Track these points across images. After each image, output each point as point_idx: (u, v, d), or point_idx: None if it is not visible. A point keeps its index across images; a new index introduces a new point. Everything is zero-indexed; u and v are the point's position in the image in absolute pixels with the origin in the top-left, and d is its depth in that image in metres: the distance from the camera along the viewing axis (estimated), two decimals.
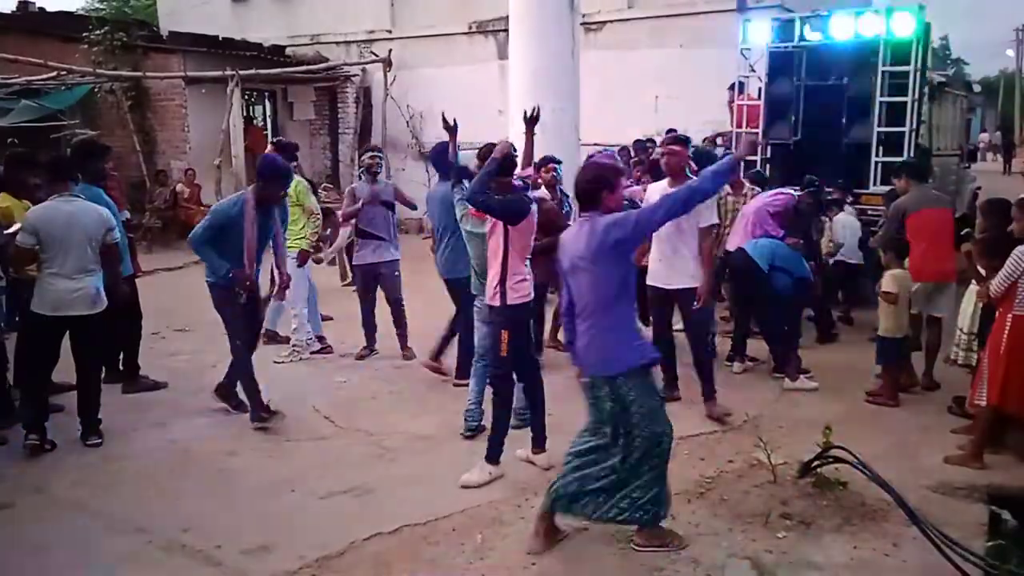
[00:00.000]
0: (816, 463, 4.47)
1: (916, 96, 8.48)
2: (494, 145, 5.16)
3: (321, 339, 7.50)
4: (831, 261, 8.00)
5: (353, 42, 16.55)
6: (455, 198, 5.32)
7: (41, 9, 17.18)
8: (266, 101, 16.79)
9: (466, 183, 5.11)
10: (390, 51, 15.34)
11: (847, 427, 5.01)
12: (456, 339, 6.45)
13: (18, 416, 5.42)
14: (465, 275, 5.89)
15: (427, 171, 14.09)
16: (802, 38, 9.06)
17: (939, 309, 6.39)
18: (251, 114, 16.90)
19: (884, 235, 6.66)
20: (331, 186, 12.18)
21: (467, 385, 6.09)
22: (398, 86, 15.23)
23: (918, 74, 8.46)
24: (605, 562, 3.86)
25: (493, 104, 12.66)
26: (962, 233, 6.57)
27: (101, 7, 26.78)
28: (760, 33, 9.32)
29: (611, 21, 13.92)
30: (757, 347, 6.91)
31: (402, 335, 7.24)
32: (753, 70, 9.53)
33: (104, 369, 5.90)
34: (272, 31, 16.77)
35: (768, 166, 9.33)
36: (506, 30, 10.18)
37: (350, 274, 7.97)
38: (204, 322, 8.17)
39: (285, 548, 4.01)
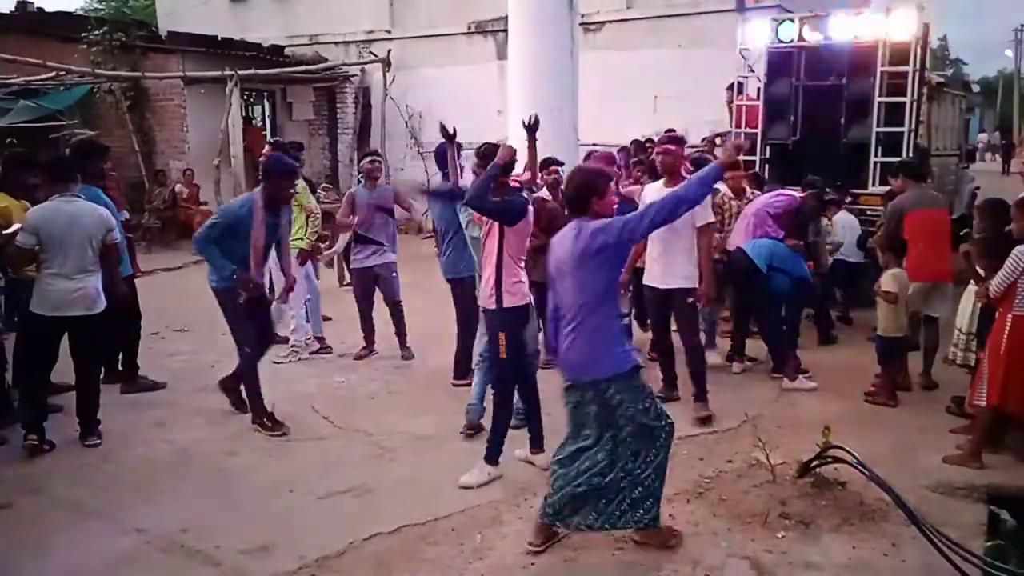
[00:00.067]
0: (815, 463, 4.47)
1: (915, 96, 8.49)
2: (493, 145, 5.16)
3: (320, 339, 7.50)
4: (831, 260, 8.00)
5: (352, 42, 16.55)
6: (457, 204, 5.32)
7: (40, 9, 17.17)
8: (265, 101, 16.78)
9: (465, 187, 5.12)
10: (389, 51, 15.34)
11: (846, 427, 5.02)
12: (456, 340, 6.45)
13: (17, 416, 5.42)
14: (467, 275, 5.90)
15: (426, 171, 14.13)
16: (801, 38, 9.06)
17: (936, 309, 6.41)
18: (250, 114, 16.90)
19: (882, 235, 6.67)
20: (330, 186, 12.17)
21: (465, 385, 6.11)
22: (397, 86, 15.23)
23: (917, 74, 8.47)
24: (605, 562, 3.86)
25: (492, 104, 12.67)
26: (961, 234, 6.58)
27: (100, 7, 26.81)
28: (759, 33, 9.33)
29: (610, 21, 13.93)
30: (756, 347, 6.92)
31: (401, 335, 7.24)
32: (752, 70, 9.54)
33: (103, 369, 5.90)
34: (271, 31, 16.77)
35: (767, 166, 9.34)
36: (505, 30, 10.17)
37: (348, 275, 7.99)
38: (203, 322, 8.18)
39: (284, 548, 4.01)
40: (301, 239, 7.14)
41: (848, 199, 8.46)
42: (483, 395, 5.40)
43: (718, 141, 10.11)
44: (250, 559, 3.93)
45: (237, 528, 4.22)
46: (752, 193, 7.30)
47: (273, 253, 5.86)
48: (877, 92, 8.60)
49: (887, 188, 7.58)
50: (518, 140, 5.80)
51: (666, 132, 7.51)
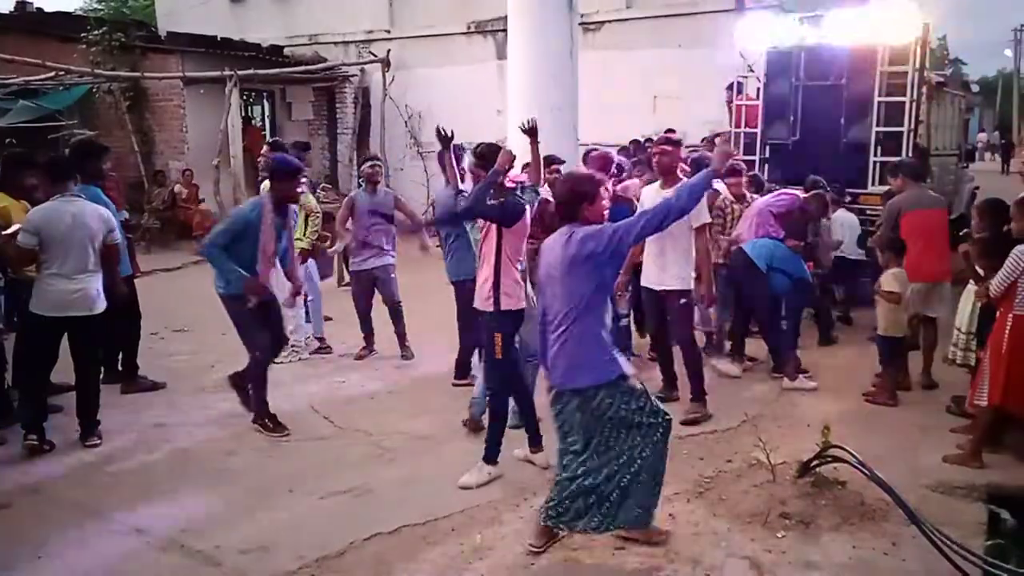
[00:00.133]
0: (815, 463, 4.47)
1: (914, 96, 8.49)
2: (490, 144, 5.15)
3: (321, 340, 7.50)
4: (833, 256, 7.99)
5: (352, 42, 16.55)
6: (463, 221, 5.32)
7: (39, 9, 17.16)
8: (264, 101, 16.77)
9: (466, 193, 5.10)
10: (388, 51, 15.34)
11: (846, 427, 5.03)
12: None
13: (17, 416, 5.42)
14: (470, 278, 5.89)
15: (426, 171, 14.15)
16: (801, 38, 9.07)
17: (934, 310, 6.42)
18: (249, 114, 16.89)
19: (881, 235, 6.67)
20: (329, 186, 12.16)
21: (466, 385, 6.12)
22: (396, 86, 15.23)
23: (916, 74, 8.47)
24: (605, 562, 3.85)
25: (491, 104, 12.68)
26: (960, 234, 6.59)
27: (99, 7, 26.80)
28: (759, 33, 9.33)
29: (610, 21, 13.94)
30: (756, 347, 6.92)
31: (401, 335, 7.24)
32: (752, 70, 9.55)
33: (103, 370, 5.89)
34: (270, 31, 16.77)
35: (767, 166, 9.34)
36: (505, 30, 10.17)
37: (347, 276, 8.00)
38: (203, 322, 8.18)
39: (284, 548, 4.01)
40: (301, 239, 7.15)
41: (848, 198, 8.46)
42: (486, 392, 5.39)
43: (717, 141, 10.10)
44: (250, 559, 3.93)
45: (237, 528, 4.22)
46: (751, 197, 7.30)
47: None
48: (876, 92, 8.61)
49: (887, 188, 7.58)
50: (518, 140, 5.80)
51: (665, 132, 7.52)
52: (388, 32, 16.24)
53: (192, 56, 14.14)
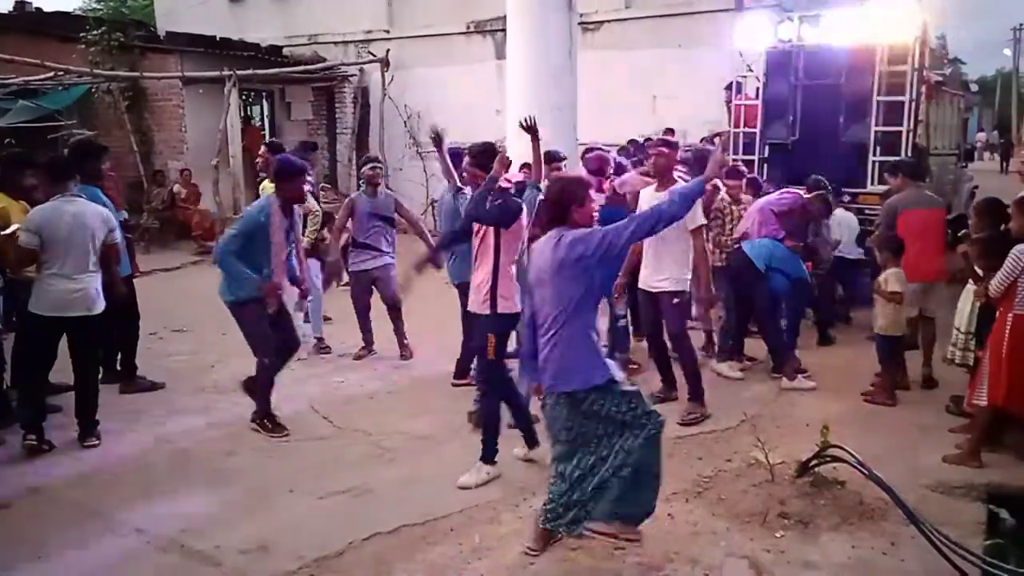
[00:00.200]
0: (814, 462, 4.47)
1: (913, 96, 8.50)
2: (486, 144, 5.13)
3: (320, 340, 7.50)
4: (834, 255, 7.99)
5: (351, 42, 16.54)
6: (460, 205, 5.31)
7: (38, 9, 17.15)
8: (263, 101, 16.76)
9: (466, 192, 5.09)
10: (388, 51, 15.33)
11: (845, 426, 5.04)
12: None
13: (16, 417, 5.41)
14: None
15: (425, 171, 14.14)
16: (800, 38, 9.07)
17: (931, 310, 6.44)
18: (248, 114, 16.89)
19: (880, 234, 6.67)
20: (328, 186, 12.17)
21: (465, 385, 6.12)
22: (396, 86, 15.22)
23: (915, 74, 8.47)
24: (604, 562, 3.86)
25: (491, 104, 12.67)
26: (958, 235, 6.60)
27: (98, 7, 26.77)
28: (758, 33, 9.33)
29: (609, 21, 13.92)
30: (755, 347, 6.92)
31: (400, 335, 7.24)
32: (751, 70, 9.55)
33: (102, 370, 5.89)
34: (269, 31, 16.76)
35: (766, 166, 9.34)
36: (504, 30, 10.17)
37: (346, 276, 8.00)
38: (202, 322, 8.19)
39: (284, 548, 4.01)
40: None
41: (846, 198, 8.46)
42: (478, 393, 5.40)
43: (716, 141, 10.10)
44: (249, 559, 3.93)
45: (236, 528, 4.22)
46: (747, 200, 7.29)
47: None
48: (876, 91, 8.61)
49: (886, 187, 7.59)
50: (518, 140, 5.80)
51: (665, 132, 7.54)
52: (387, 32, 16.23)
53: (191, 56, 14.13)
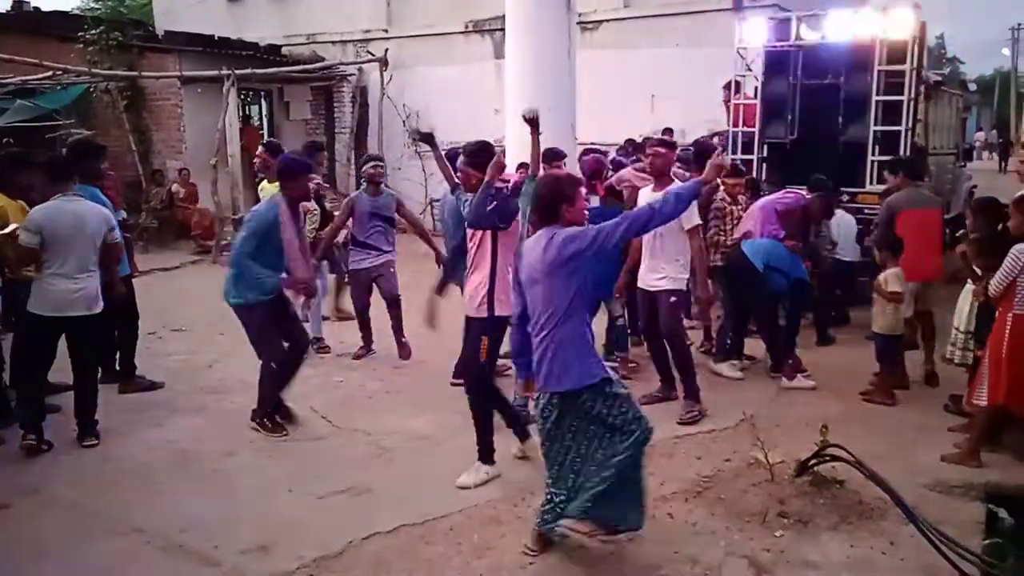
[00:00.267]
0: (813, 462, 4.47)
1: (912, 95, 8.50)
2: (481, 143, 5.09)
3: (319, 339, 7.50)
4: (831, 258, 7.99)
5: (349, 41, 16.54)
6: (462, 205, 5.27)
7: (36, 9, 17.15)
8: (262, 101, 16.74)
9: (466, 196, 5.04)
10: (386, 50, 15.33)
11: (844, 426, 5.03)
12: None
13: (16, 417, 5.41)
14: None
15: (424, 170, 14.13)
16: (798, 37, 9.07)
17: (927, 305, 6.44)
18: (247, 113, 16.88)
19: (878, 233, 6.67)
20: (327, 186, 12.17)
21: (463, 385, 6.11)
22: (394, 85, 15.22)
23: (914, 73, 8.48)
24: (603, 561, 3.86)
25: (489, 103, 12.66)
26: (956, 235, 6.61)
27: (96, 6, 26.77)
28: (756, 32, 9.33)
29: (607, 20, 13.93)
30: (754, 346, 6.92)
31: (398, 331, 7.23)
32: (749, 69, 9.55)
33: (101, 369, 5.88)
34: (268, 30, 16.75)
35: (764, 165, 9.34)
36: (502, 29, 10.17)
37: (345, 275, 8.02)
38: (200, 322, 8.18)
39: (283, 548, 4.01)
40: None
41: (844, 198, 8.45)
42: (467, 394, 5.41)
43: (715, 141, 10.11)
44: (249, 559, 3.93)
45: (236, 528, 4.22)
46: (747, 200, 7.28)
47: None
48: (874, 91, 8.61)
49: (884, 187, 7.59)
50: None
51: (664, 131, 7.53)
52: (386, 31, 16.23)
53: (189, 55, 14.12)
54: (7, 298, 5.86)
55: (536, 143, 5.31)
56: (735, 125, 9.57)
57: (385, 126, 15.21)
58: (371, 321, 7.35)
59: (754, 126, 9.37)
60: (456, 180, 6.10)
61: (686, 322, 6.55)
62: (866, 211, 8.34)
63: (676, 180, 5.83)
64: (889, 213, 6.55)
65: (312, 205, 7.32)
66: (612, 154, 8.43)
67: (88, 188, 5.71)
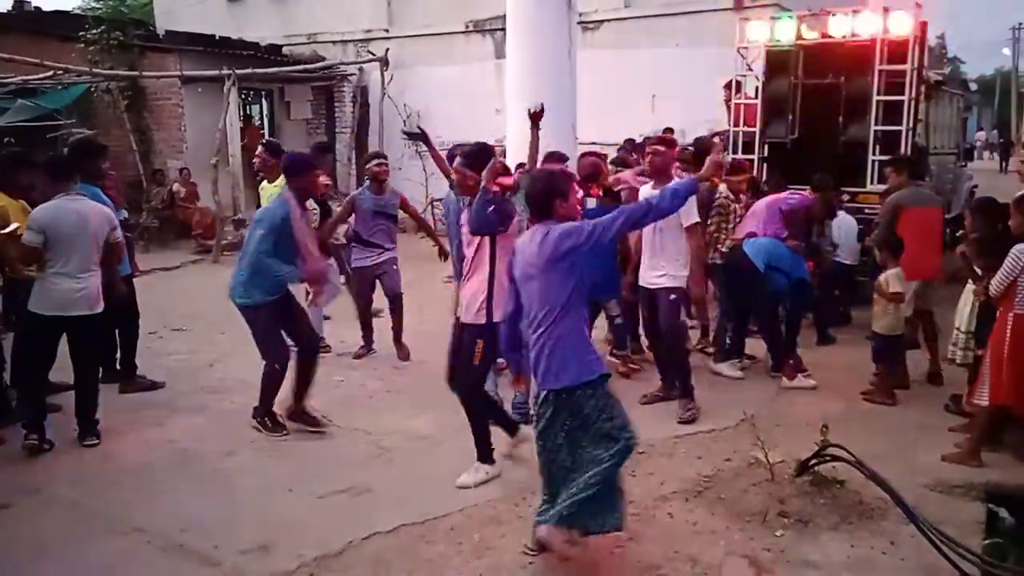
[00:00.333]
0: (814, 461, 4.47)
1: (913, 95, 8.49)
2: (479, 145, 5.05)
3: (320, 339, 7.48)
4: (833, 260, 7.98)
5: (350, 41, 16.55)
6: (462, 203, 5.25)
7: (37, 8, 17.17)
8: (263, 100, 16.77)
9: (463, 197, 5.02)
10: (387, 50, 15.34)
11: (844, 426, 5.03)
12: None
13: (17, 416, 5.41)
14: None
15: (424, 170, 14.13)
16: (799, 37, 9.07)
17: (927, 304, 6.43)
18: (248, 113, 16.89)
19: (880, 233, 6.66)
20: (332, 186, 12.16)
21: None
22: (395, 85, 15.23)
23: (915, 73, 8.47)
24: (602, 561, 3.84)
25: (490, 103, 12.67)
26: (956, 235, 6.60)
27: (97, 6, 26.76)
28: (757, 32, 9.33)
29: (608, 20, 13.93)
30: (754, 346, 6.92)
31: (397, 330, 7.22)
32: (750, 69, 9.54)
33: (101, 369, 5.88)
34: (269, 30, 16.76)
35: (765, 165, 9.34)
36: (503, 29, 10.17)
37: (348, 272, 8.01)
38: (201, 322, 8.18)
39: (283, 548, 4.01)
40: None
41: (845, 197, 8.45)
42: (495, 388, 5.45)
43: (716, 140, 10.10)
44: (249, 559, 3.93)
45: (236, 528, 4.22)
46: (748, 199, 7.28)
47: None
48: (875, 90, 8.60)
49: (885, 187, 7.58)
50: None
51: (664, 131, 7.52)
52: (387, 31, 16.23)
53: (190, 55, 14.14)
54: (8, 297, 5.86)
55: (535, 139, 5.30)
56: (736, 125, 9.57)
57: (386, 126, 15.21)
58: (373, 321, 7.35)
59: (755, 126, 9.36)
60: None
61: (687, 322, 6.55)
62: (866, 211, 8.34)
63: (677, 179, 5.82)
64: (893, 212, 6.51)
65: (311, 204, 7.32)
66: (612, 155, 8.40)
67: (89, 188, 5.71)
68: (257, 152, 7.25)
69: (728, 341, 6.89)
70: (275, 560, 3.91)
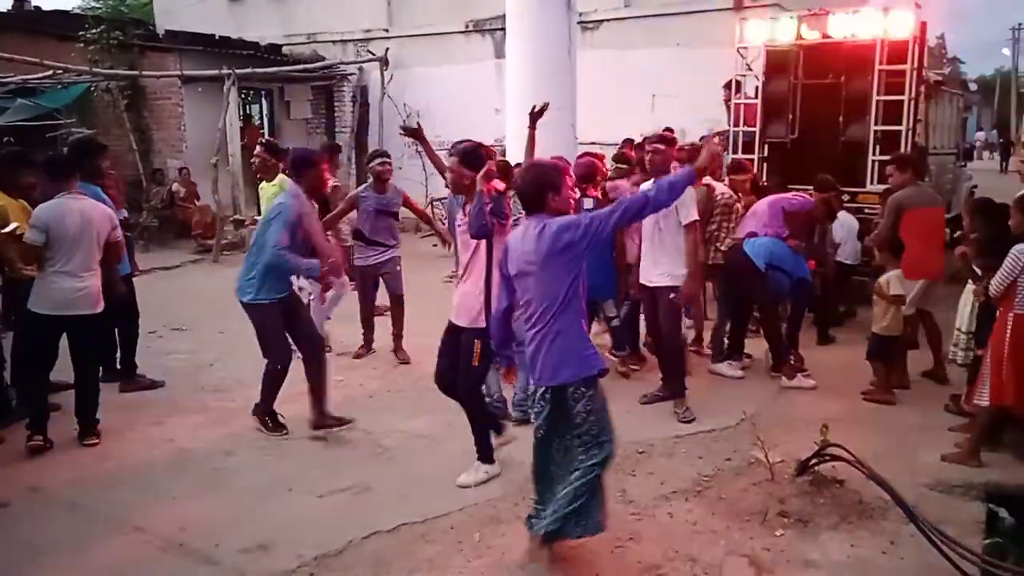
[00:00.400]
0: (814, 461, 4.47)
1: (913, 95, 8.49)
2: (475, 144, 5.03)
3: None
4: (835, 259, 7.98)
5: (350, 41, 16.56)
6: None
7: (37, 8, 17.17)
8: (263, 100, 16.78)
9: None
10: (387, 50, 15.34)
11: (844, 425, 5.03)
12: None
13: (17, 415, 5.41)
14: None
15: (424, 170, 14.11)
16: (799, 37, 9.07)
17: (928, 305, 6.43)
18: (248, 113, 16.89)
19: (881, 232, 6.64)
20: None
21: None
22: (395, 85, 15.24)
23: (915, 73, 8.47)
24: (602, 561, 3.85)
25: (490, 103, 12.68)
26: (954, 236, 6.59)
27: (97, 6, 26.80)
28: (757, 32, 9.34)
29: (608, 20, 13.94)
30: (754, 345, 6.92)
31: (397, 335, 7.22)
32: (750, 68, 9.55)
33: (101, 368, 5.88)
34: (269, 30, 16.77)
35: (765, 165, 9.34)
36: (503, 29, 10.18)
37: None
38: (201, 321, 8.18)
39: (283, 547, 4.01)
40: None
41: (845, 197, 8.44)
42: (499, 388, 5.47)
43: (716, 140, 10.10)
44: (249, 558, 3.93)
45: (236, 527, 4.22)
46: (749, 199, 7.28)
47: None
48: (875, 90, 8.60)
49: (885, 187, 7.57)
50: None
51: (664, 131, 7.51)
52: (386, 31, 16.24)
53: (190, 54, 14.14)
54: (7, 296, 5.86)
55: (532, 139, 5.29)
56: (736, 125, 9.58)
57: (385, 125, 15.20)
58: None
59: (755, 126, 9.36)
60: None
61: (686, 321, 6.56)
62: (866, 211, 8.34)
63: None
64: (897, 211, 6.44)
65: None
66: (610, 156, 8.39)
67: (89, 187, 5.71)
68: (256, 151, 7.23)
69: (725, 341, 6.88)
70: (275, 559, 3.90)
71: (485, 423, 4.80)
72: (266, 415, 5.53)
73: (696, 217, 5.78)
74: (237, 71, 13.24)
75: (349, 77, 16.27)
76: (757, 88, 9.48)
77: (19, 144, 10.98)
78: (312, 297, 6.98)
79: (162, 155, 14.53)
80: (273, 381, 5.46)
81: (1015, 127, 38.08)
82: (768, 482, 4.54)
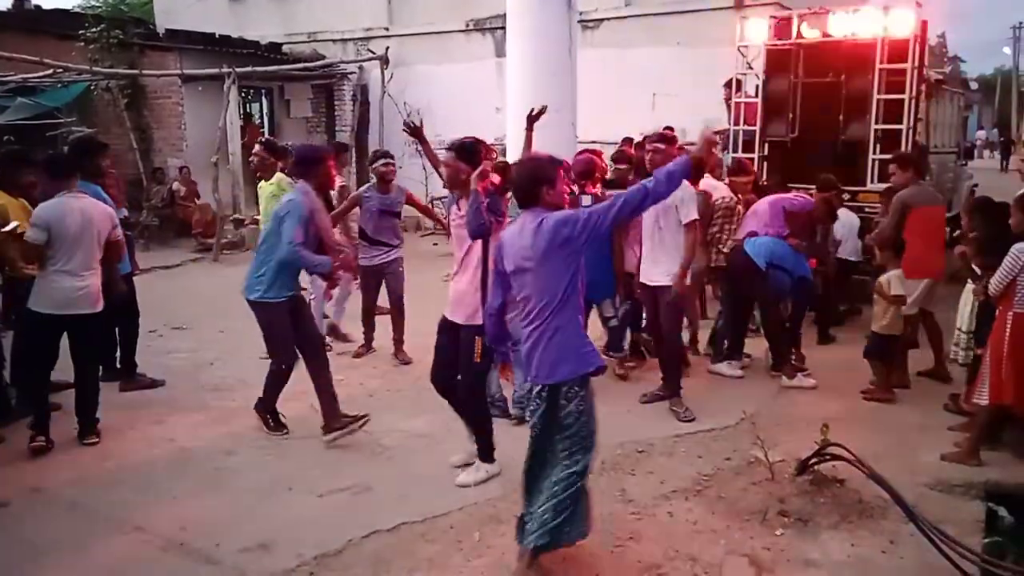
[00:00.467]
0: (814, 460, 4.47)
1: (913, 93, 8.49)
2: (473, 140, 5.01)
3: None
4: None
5: (350, 39, 16.55)
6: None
7: (37, 7, 17.16)
8: (263, 99, 16.77)
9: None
10: (387, 48, 15.35)
11: (844, 425, 5.03)
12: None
13: (17, 415, 5.41)
14: None
15: (424, 169, 14.10)
16: (799, 35, 9.07)
17: (929, 305, 6.43)
18: (248, 112, 16.89)
19: (883, 231, 6.63)
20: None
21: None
22: (395, 83, 15.24)
23: (915, 71, 8.46)
24: (602, 560, 3.85)
25: (490, 102, 12.68)
26: (954, 235, 6.58)
27: (97, 5, 26.76)
28: (757, 30, 9.33)
29: (608, 19, 13.94)
30: (754, 345, 6.92)
31: (398, 339, 7.21)
32: (750, 67, 9.54)
33: (101, 367, 5.88)
34: (269, 29, 16.77)
35: (765, 164, 9.34)
36: (503, 28, 10.18)
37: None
38: (201, 320, 8.18)
39: (283, 546, 4.01)
40: None
41: (846, 196, 8.44)
42: (499, 387, 5.49)
43: (716, 139, 10.09)
44: (249, 557, 3.93)
45: (236, 526, 4.22)
46: (748, 198, 7.27)
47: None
48: (876, 89, 8.60)
49: (886, 185, 7.56)
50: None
51: (664, 129, 7.49)
52: (387, 29, 16.23)
53: (190, 53, 14.13)
54: (8, 296, 5.86)
55: (529, 140, 5.29)
56: (736, 123, 9.58)
57: (386, 124, 15.21)
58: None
59: (755, 124, 9.36)
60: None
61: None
62: (866, 210, 8.34)
63: None
64: (902, 210, 6.40)
65: None
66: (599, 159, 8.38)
67: (90, 186, 5.72)
68: (255, 150, 7.22)
69: (727, 341, 6.88)
70: (275, 559, 3.91)
71: (486, 421, 4.79)
72: (268, 413, 5.53)
73: (696, 216, 5.77)
74: (237, 70, 13.24)
75: (349, 76, 16.27)
76: (757, 87, 9.48)
77: (19, 143, 10.98)
78: (313, 297, 7.00)
79: (162, 154, 14.53)
80: (277, 381, 5.45)
81: (1016, 126, 38.07)
82: (768, 481, 4.54)
